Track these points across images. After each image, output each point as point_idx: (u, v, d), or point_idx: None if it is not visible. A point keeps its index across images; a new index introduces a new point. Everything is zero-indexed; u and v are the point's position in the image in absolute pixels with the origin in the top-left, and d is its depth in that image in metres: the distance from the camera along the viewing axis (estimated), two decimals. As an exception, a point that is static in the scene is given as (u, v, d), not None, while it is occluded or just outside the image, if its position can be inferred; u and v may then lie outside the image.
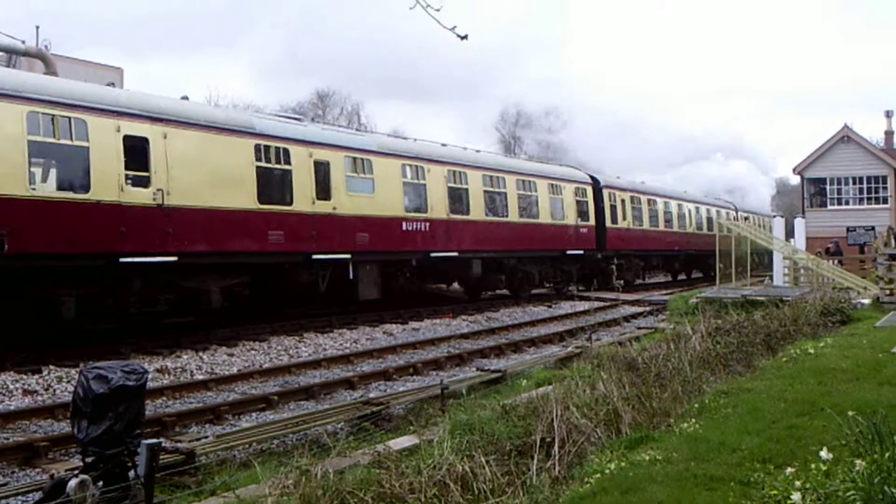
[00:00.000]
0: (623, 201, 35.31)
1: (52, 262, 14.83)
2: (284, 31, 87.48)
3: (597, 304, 26.91)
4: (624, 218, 35.35)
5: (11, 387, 12.75)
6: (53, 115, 14.71)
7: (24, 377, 13.28)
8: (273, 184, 18.91)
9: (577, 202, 31.77)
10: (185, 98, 19.01)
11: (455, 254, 24.82)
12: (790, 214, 45.28)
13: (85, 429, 7.24)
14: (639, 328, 20.69)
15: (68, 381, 13.09)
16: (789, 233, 37.29)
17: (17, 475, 8.66)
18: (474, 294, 28.89)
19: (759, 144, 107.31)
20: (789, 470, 5.52)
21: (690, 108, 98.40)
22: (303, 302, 21.41)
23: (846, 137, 37.99)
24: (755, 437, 6.96)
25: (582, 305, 27.31)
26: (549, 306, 28.12)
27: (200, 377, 14.32)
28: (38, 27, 26.53)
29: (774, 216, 42.70)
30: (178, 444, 8.67)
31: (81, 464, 7.44)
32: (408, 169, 23.30)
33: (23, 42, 22.07)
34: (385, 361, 16.42)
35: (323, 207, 19.99)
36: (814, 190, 38.95)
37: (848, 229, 35.82)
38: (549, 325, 22.95)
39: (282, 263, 19.48)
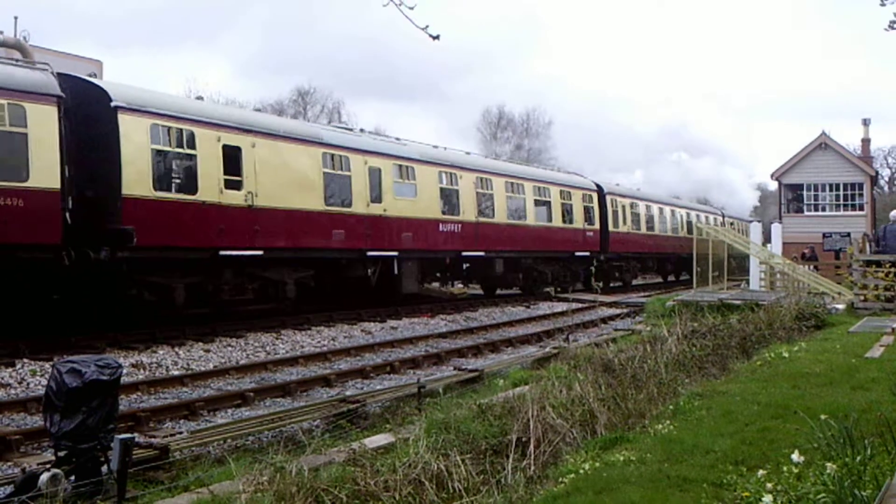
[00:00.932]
0: (623, 207, 37.56)
1: (168, 255, 17.13)
2: (264, 28, 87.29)
3: (575, 305, 26.99)
4: (624, 223, 37.60)
5: (-16, 380, 12.61)
6: (170, 127, 17.06)
7: (-3, 370, 13.15)
8: (336, 188, 21.34)
9: (585, 208, 34.09)
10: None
11: (482, 253, 27.29)
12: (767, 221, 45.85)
13: (57, 423, 7.17)
14: (616, 330, 20.79)
15: (42, 375, 12.97)
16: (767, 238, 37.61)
17: (-13, 469, 8.58)
18: (490, 292, 30.75)
19: (739, 150, 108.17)
20: (761, 472, 5.56)
21: (662, 110, 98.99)
22: (355, 293, 23.59)
23: (824, 144, 38.36)
24: (728, 439, 7.01)
25: (560, 306, 27.39)
26: (527, 307, 28.19)
27: (176, 373, 14.23)
28: (16, 18, 26.22)
29: (752, 221, 43.07)
30: (152, 440, 8.61)
31: (54, 458, 7.37)
32: (443, 175, 25.75)
33: (0, 32, 21.82)
34: (362, 359, 16.39)
35: (375, 209, 22.42)
36: (791, 196, 39.30)
37: (824, 235, 36.22)
38: (527, 326, 23.00)
39: (341, 259, 21.89)
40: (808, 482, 5.14)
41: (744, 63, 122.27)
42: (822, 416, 6.36)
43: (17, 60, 15.81)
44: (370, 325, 21.04)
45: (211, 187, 17.68)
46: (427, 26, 6.11)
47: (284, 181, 19.51)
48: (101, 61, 32.80)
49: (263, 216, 18.84)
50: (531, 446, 7.20)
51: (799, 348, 12.82)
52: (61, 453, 7.19)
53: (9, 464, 8.62)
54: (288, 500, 5.80)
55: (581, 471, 6.40)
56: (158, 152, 16.83)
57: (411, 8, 5.92)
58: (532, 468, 6.91)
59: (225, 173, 17.98)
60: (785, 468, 5.65)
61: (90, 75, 17.91)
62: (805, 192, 38.85)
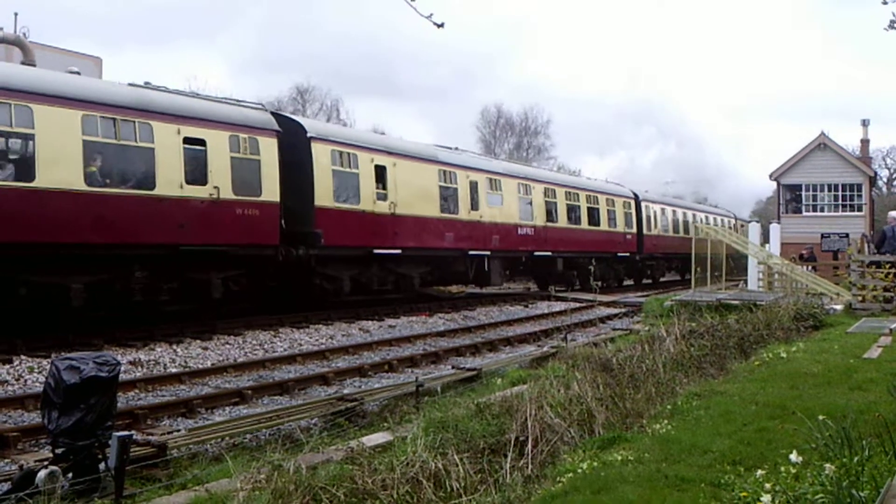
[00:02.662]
0: (654, 212, 41.75)
1: (340, 252, 21.71)
2: (262, 26, 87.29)
3: (573, 304, 27.00)
4: (656, 226, 41.74)
5: (-19, 376, 12.60)
6: (342, 152, 21.82)
7: (-5, 367, 13.14)
8: (447, 198, 25.95)
9: (625, 213, 38.41)
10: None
11: (549, 253, 31.58)
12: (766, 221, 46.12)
13: (55, 420, 7.16)
14: (614, 329, 20.79)
15: (40, 372, 12.97)
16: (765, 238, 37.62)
17: (-15, 466, 8.57)
18: (544, 287, 32.92)
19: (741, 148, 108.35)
20: (759, 472, 5.56)
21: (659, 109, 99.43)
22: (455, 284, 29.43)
23: (823, 145, 38.35)
24: (726, 439, 7.01)
25: (558, 306, 27.40)
26: (526, 306, 28.22)
27: (174, 370, 14.23)
28: (16, 14, 26.27)
29: (751, 221, 43.17)
30: (150, 437, 8.62)
31: (51, 455, 7.37)
32: (521, 186, 30.32)
33: (0, 29, 21.79)
34: (360, 358, 16.39)
35: (474, 216, 27.09)
36: (789, 196, 39.30)
37: (822, 236, 36.21)
38: (526, 325, 23.01)
39: (449, 257, 26.42)
40: (806, 482, 5.13)
41: (742, 63, 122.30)
42: (820, 417, 6.35)
43: (241, 102, 20.26)
44: (368, 324, 21.04)
45: (368, 199, 22.40)
46: (431, 14, 6.14)
47: (414, 193, 24.15)
48: (100, 58, 32.80)
49: (401, 222, 23.48)
50: (529, 445, 7.19)
51: (797, 349, 12.82)
52: (59, 450, 7.19)
53: (6, 461, 8.62)
54: (286, 499, 5.80)
55: (579, 470, 6.39)
56: (335, 172, 21.38)
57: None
58: (530, 467, 6.90)
59: (377, 187, 22.68)
60: (783, 468, 5.64)
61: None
62: (804, 193, 38.84)
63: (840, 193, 38.13)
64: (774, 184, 39.61)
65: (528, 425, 7.41)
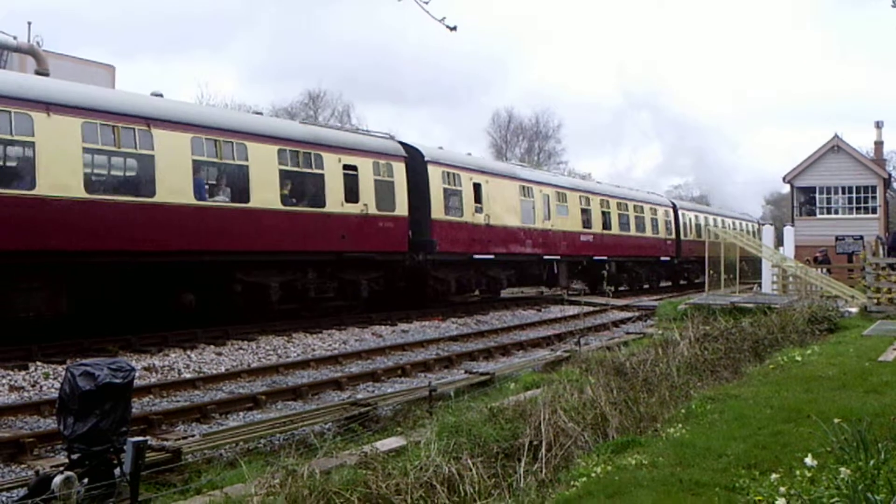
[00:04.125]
0: (689, 219, 45.34)
1: (448, 258, 25.65)
2: (272, 34, 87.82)
3: (587, 308, 26.94)
4: (690, 232, 44.93)
5: (-3, 383, 12.68)
6: (448, 172, 25.63)
7: (11, 373, 13.22)
8: (526, 210, 29.73)
9: (665, 221, 42.30)
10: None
11: (605, 257, 35.22)
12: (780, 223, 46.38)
13: (71, 425, 7.20)
14: (627, 333, 20.73)
15: (55, 378, 13.04)
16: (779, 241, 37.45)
17: (2, 471, 8.62)
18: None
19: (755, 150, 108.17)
20: (774, 476, 5.54)
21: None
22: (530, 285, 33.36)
23: (836, 147, 38.11)
24: (741, 442, 6.98)
25: (571, 310, 27.30)
26: (538, 310, 28.19)
27: (188, 376, 14.27)
28: (30, 23, 26.48)
29: (764, 224, 43.14)
30: (165, 443, 8.64)
31: (67, 461, 7.40)
32: (582, 199, 34.49)
33: (14, 38, 21.98)
34: (373, 363, 16.40)
35: (547, 225, 31.05)
36: (803, 199, 39.08)
37: (837, 238, 35.94)
38: (538, 329, 22.97)
39: (528, 261, 30.32)
40: (822, 486, 5.12)
41: (753, 64, 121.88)
42: (836, 420, 6.33)
43: (373, 132, 25.21)
44: (381, 329, 21.06)
45: (469, 212, 26.32)
46: (444, 18, 6.17)
47: (502, 206, 28.01)
48: (113, 66, 33.00)
49: (493, 231, 27.34)
50: (543, 450, 7.18)
51: (812, 352, 12.76)
52: (74, 456, 7.22)
53: (22, 466, 8.68)
54: (300, 503, 5.81)
55: (593, 474, 6.38)
56: (445, 189, 25.36)
57: (426, 2, 5.98)
58: (544, 472, 6.89)
59: (474, 202, 26.50)
60: (798, 472, 5.62)
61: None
62: (817, 195, 38.60)
63: (854, 196, 37.86)
64: (783, 184, 39.45)
65: (541, 429, 7.40)
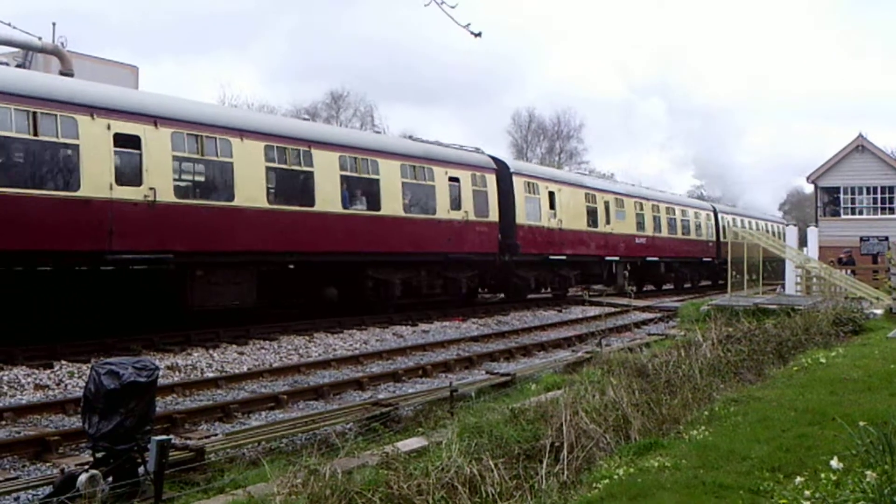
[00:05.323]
0: (728, 222, 47.02)
1: (529, 259, 28.63)
2: (292, 35, 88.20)
3: (608, 309, 26.86)
4: (727, 234, 45.45)
5: (23, 381, 12.81)
6: (529, 182, 28.93)
7: (36, 372, 13.36)
8: (592, 215, 32.81)
9: (707, 224, 45.23)
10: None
11: (657, 259, 38.65)
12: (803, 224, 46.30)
13: (96, 424, 7.26)
14: (649, 335, 20.63)
15: (79, 377, 13.16)
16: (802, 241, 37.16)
17: (27, 469, 8.71)
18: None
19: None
20: (799, 479, 5.51)
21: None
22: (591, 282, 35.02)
23: (861, 147, 37.70)
24: (765, 445, 6.93)
25: (592, 311, 27.24)
26: (559, 311, 28.13)
27: (211, 375, 14.36)
28: (54, 24, 26.73)
29: (787, 224, 42.84)
30: (188, 442, 8.69)
31: (91, 459, 7.47)
32: (637, 204, 37.26)
33: (39, 38, 22.18)
34: (394, 363, 16.43)
35: (607, 229, 33.92)
36: (827, 199, 38.71)
37: (861, 239, 35.57)
38: (559, 330, 22.91)
39: (592, 262, 33.00)
40: (847, 489, 5.07)
41: (776, 61, 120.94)
42: (861, 423, 6.27)
43: (465, 147, 27.64)
44: (401, 329, 21.09)
45: (545, 217, 29.30)
46: (469, 24, 6.19)
47: (571, 212, 31.04)
48: (137, 67, 33.20)
49: (564, 234, 30.45)
50: (564, 451, 7.16)
51: (836, 354, 12.65)
52: (99, 454, 7.29)
53: (48, 464, 8.76)
54: (322, 503, 5.83)
55: (615, 476, 6.36)
56: (526, 197, 28.34)
57: (453, 7, 6.01)
58: (565, 473, 6.87)
59: (549, 208, 29.56)
60: (823, 475, 5.58)
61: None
62: (842, 196, 38.24)
63: (879, 196, 37.44)
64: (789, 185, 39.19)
65: (563, 431, 7.38)
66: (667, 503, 5.55)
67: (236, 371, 14.81)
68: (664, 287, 42.17)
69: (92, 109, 15.22)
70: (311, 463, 6.31)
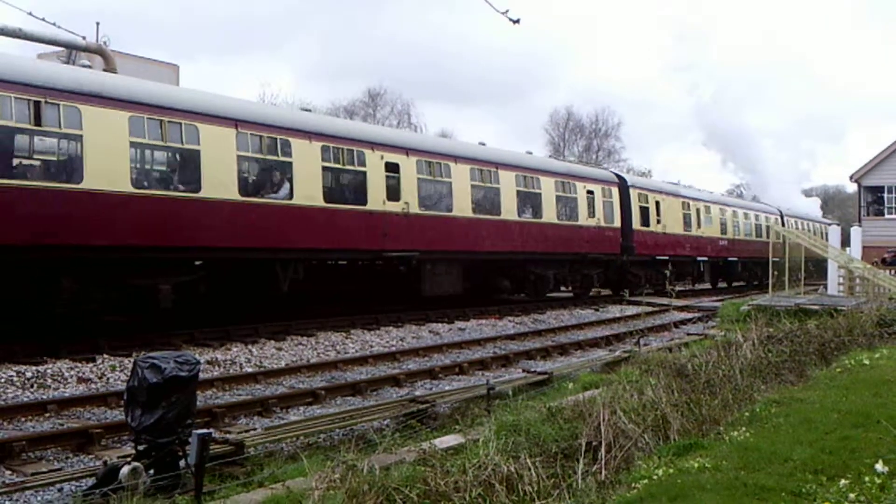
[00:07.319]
0: (795, 224, 49.81)
1: (642, 259, 32.87)
2: (328, 33, 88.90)
3: (647, 308, 26.66)
4: None
5: (67, 374, 13.04)
6: (642, 194, 33.11)
7: (79, 365, 13.58)
8: (687, 219, 36.96)
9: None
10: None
11: (735, 259, 42.54)
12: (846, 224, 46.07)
13: (138, 417, 7.36)
14: (688, 334, 20.42)
15: (121, 370, 13.36)
16: (844, 241, 36.57)
17: (71, 461, 8.87)
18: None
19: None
20: (843, 482, 5.42)
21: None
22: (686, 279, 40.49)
23: (906, 145, 37.03)
24: (807, 447, 6.83)
25: (631, 310, 27.02)
26: (596, 310, 27.97)
27: (249, 370, 14.51)
28: (98, 23, 27.15)
29: (830, 224, 42.25)
30: (228, 435, 8.77)
31: (134, 451, 7.57)
32: (715, 209, 40.78)
33: (83, 38, 22.55)
34: (431, 360, 16.45)
35: (698, 232, 38.00)
36: (871, 198, 38.06)
37: (906, 239, 34.92)
38: (597, 329, 22.79)
39: (685, 261, 36.63)
40: (893, 493, 4.99)
41: (820, 64, 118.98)
42: (907, 426, 6.15)
43: (586, 162, 34.92)
44: (438, 326, 21.10)
45: (653, 223, 33.55)
46: (507, 11, 6.17)
47: (671, 218, 35.15)
48: (177, 65, 33.71)
49: (667, 238, 34.57)
50: (602, 451, 7.12)
51: (880, 355, 12.43)
52: (141, 447, 7.38)
53: (91, 456, 8.91)
54: (360, 498, 5.86)
55: (654, 477, 6.31)
56: (640, 207, 32.77)
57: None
58: (603, 473, 6.83)
59: (656, 215, 33.79)
60: (867, 478, 5.49)
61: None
62: (886, 195, 37.57)
63: (925, 195, 36.76)
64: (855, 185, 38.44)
65: (601, 430, 7.33)
66: (707, 504, 5.49)
67: (275, 366, 14.93)
68: (734, 284, 45.99)
69: (373, 145, 20.57)
70: (349, 458, 6.33)
